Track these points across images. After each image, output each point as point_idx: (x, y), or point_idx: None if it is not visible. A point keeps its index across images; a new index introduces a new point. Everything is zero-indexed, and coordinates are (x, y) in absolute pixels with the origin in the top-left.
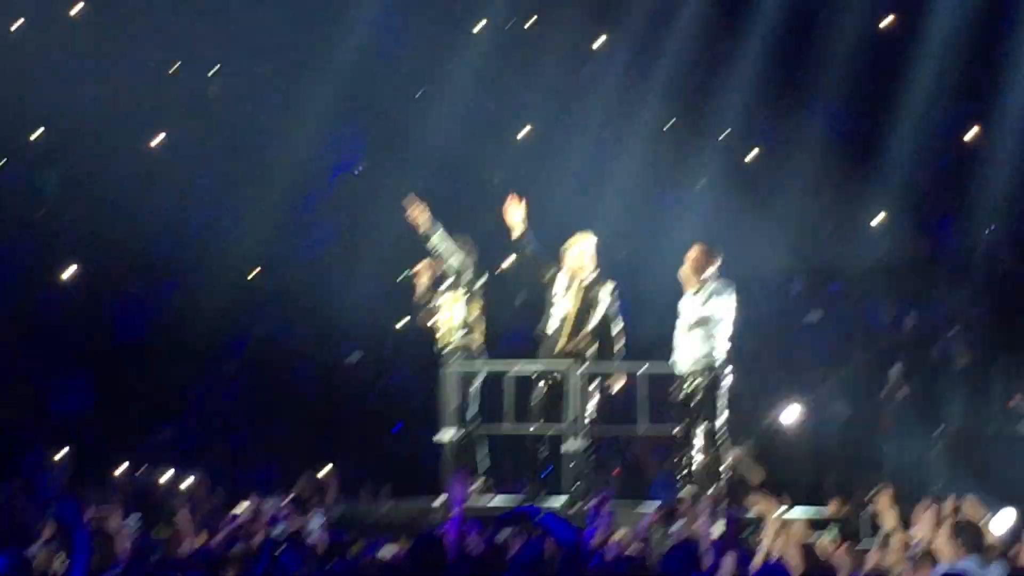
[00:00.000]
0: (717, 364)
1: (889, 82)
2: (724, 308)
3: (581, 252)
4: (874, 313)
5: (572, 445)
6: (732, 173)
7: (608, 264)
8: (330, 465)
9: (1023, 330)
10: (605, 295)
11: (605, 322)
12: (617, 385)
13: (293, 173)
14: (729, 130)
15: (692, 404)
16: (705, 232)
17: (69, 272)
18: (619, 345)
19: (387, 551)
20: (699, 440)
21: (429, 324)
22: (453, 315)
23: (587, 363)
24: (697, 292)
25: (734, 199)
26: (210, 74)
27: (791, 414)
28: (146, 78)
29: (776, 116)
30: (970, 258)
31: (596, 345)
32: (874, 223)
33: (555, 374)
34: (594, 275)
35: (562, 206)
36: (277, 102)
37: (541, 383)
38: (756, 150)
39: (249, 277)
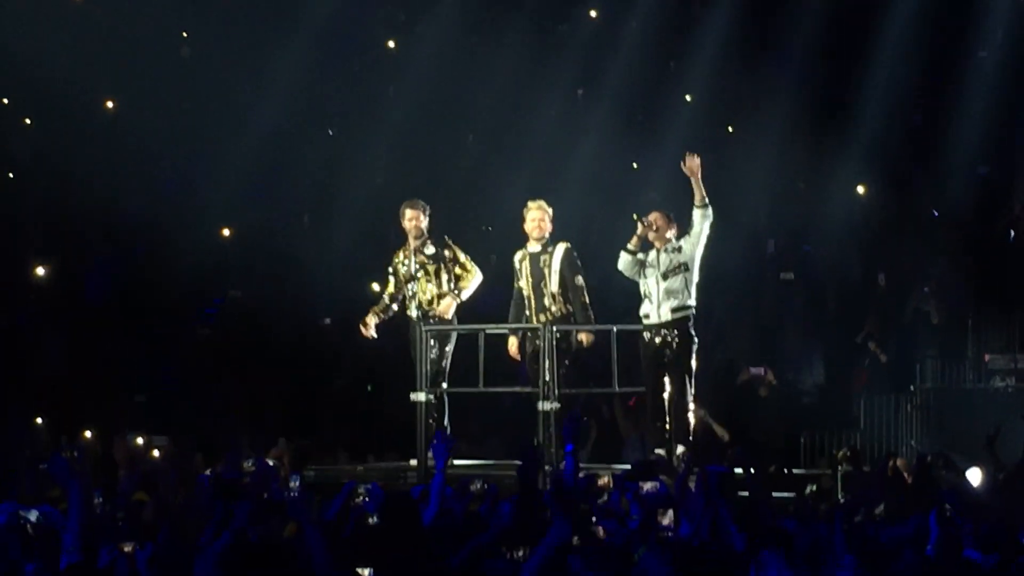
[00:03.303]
0: (693, 313)
1: (861, 41)
2: (698, 254)
3: (541, 219)
4: (847, 272)
5: (546, 406)
6: (703, 134)
7: (579, 229)
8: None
9: (994, 288)
10: (556, 259)
11: (562, 283)
12: (587, 342)
13: (266, 135)
14: (700, 91)
15: (666, 357)
16: (678, 194)
17: (38, 238)
18: (582, 299)
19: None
20: (671, 397)
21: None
22: (437, 284)
23: (553, 324)
24: (667, 247)
25: (705, 160)
26: (183, 32)
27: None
28: (117, 42)
29: (748, 77)
30: (942, 217)
31: (564, 306)
32: (858, 192)
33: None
34: (545, 241)
35: (533, 168)
36: (248, 64)
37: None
38: (728, 111)
39: (225, 236)
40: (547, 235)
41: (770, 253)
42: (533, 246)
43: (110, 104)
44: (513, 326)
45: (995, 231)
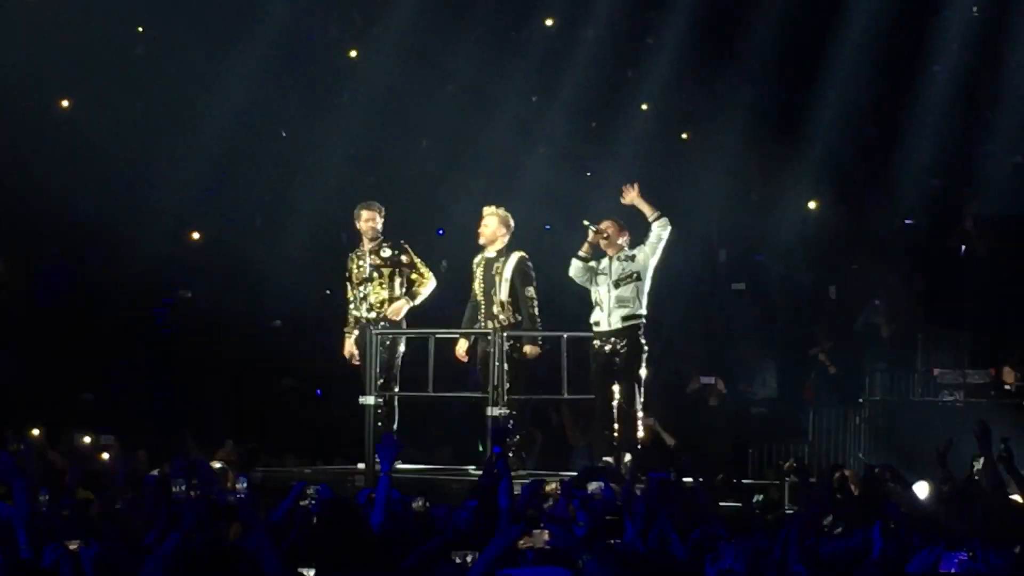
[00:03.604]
0: (643, 322)
1: (816, 54)
2: (651, 263)
3: (486, 226)
4: (798, 283)
5: (494, 412)
6: (658, 144)
7: (532, 237)
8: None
9: (945, 302)
10: (508, 267)
11: (512, 292)
12: (531, 353)
13: (219, 136)
14: (655, 100)
15: (615, 365)
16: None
17: None
18: (530, 311)
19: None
20: (620, 404)
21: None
22: (390, 289)
23: (502, 331)
24: (619, 255)
25: (659, 170)
26: (139, 29)
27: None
28: (70, 39)
29: (701, 86)
30: (893, 230)
31: (512, 315)
32: (810, 206)
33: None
34: (500, 248)
35: (487, 174)
36: (203, 64)
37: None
38: (683, 121)
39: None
40: (499, 242)
41: (722, 263)
42: (489, 252)
43: (64, 103)
44: (463, 331)
45: (946, 245)
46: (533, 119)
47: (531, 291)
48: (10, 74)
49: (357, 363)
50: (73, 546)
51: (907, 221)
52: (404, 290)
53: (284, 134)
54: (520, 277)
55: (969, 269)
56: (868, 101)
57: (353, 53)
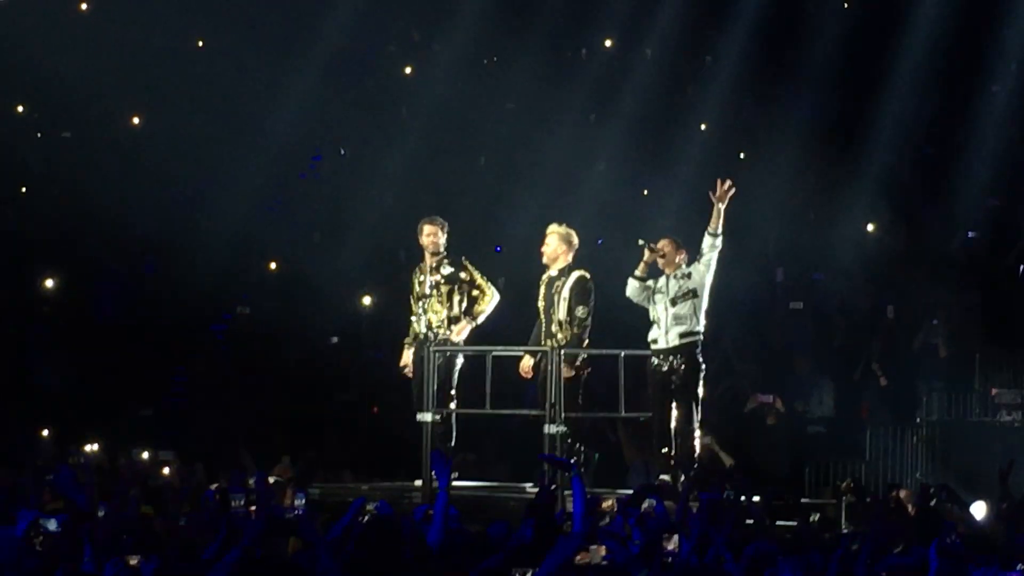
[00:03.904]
0: (701, 340)
1: (874, 73)
2: (707, 280)
3: (547, 244)
4: (856, 302)
5: (551, 429)
6: (715, 162)
7: (590, 253)
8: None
9: (1003, 321)
10: (567, 287)
11: (570, 311)
12: (566, 375)
13: (279, 153)
14: (713, 119)
15: (673, 383)
16: (689, 220)
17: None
18: (575, 331)
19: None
20: (677, 423)
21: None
22: (448, 307)
23: (560, 349)
24: (676, 273)
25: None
26: (199, 44)
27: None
28: (132, 55)
29: (759, 105)
30: (951, 249)
31: (569, 334)
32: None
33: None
34: (562, 266)
35: (545, 192)
36: (263, 82)
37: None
38: (740, 139)
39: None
40: (561, 260)
41: (779, 281)
42: (552, 270)
43: (136, 120)
44: (521, 348)
45: (1004, 265)
46: (591, 137)
47: (582, 311)
48: (69, 90)
49: (410, 375)
50: (133, 561)
51: (969, 234)
52: (464, 307)
53: (343, 152)
54: (576, 296)
55: None
56: (926, 119)
57: (408, 69)
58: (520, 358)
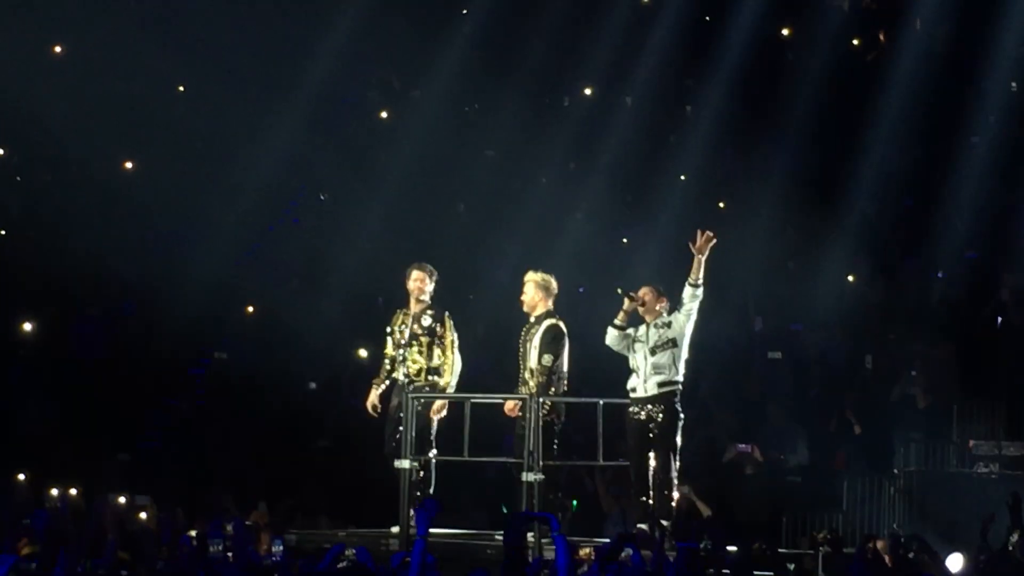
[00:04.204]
0: (680, 389)
1: (853, 122)
2: (687, 330)
3: (525, 293)
4: (834, 353)
5: (528, 477)
6: (694, 212)
7: (569, 302)
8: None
9: (981, 373)
10: (537, 335)
11: (542, 359)
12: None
13: (257, 197)
14: (693, 168)
15: (651, 432)
16: (669, 270)
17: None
18: (541, 380)
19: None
20: (655, 472)
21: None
22: (427, 358)
23: (534, 397)
24: (656, 322)
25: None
26: (179, 89)
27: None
28: (113, 99)
29: (739, 155)
30: (931, 301)
31: (536, 381)
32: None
33: None
34: (539, 313)
35: (524, 240)
36: (243, 127)
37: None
38: (720, 189)
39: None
40: (539, 307)
41: (758, 331)
42: (529, 318)
43: (126, 164)
44: (500, 396)
45: (982, 317)
46: (572, 184)
47: (547, 359)
48: (49, 134)
49: (377, 415)
50: None
51: (939, 274)
52: (441, 361)
53: (323, 197)
54: (545, 344)
55: (1006, 340)
56: (906, 171)
57: (387, 116)
58: (498, 406)
